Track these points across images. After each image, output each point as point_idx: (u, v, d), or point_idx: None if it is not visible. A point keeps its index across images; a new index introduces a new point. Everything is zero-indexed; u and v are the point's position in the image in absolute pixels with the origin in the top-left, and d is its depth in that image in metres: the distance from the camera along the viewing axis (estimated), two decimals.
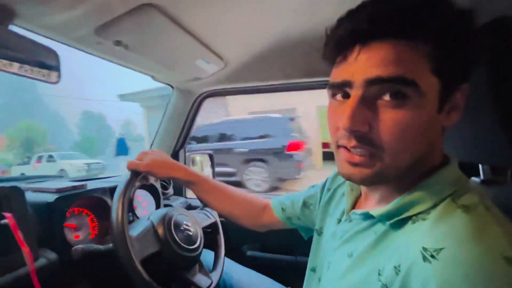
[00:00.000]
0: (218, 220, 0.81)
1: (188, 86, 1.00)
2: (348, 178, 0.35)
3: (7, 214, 0.48)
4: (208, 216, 0.79)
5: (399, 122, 0.30)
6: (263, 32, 0.70)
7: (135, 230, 0.58)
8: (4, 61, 0.43)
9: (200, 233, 0.69)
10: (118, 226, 0.50)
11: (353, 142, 0.32)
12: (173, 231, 0.61)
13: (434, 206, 0.32)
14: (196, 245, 0.65)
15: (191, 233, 0.65)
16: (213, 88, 1.01)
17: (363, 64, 0.30)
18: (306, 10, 0.61)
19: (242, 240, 1.04)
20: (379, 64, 0.29)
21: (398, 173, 0.33)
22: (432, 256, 0.27)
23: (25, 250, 0.46)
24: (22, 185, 0.57)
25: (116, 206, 0.52)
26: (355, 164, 0.33)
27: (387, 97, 0.30)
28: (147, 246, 0.56)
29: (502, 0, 0.50)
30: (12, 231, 0.47)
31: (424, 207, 0.32)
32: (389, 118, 0.30)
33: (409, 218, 0.33)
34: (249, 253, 1.02)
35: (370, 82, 0.30)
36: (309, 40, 0.73)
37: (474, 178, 0.63)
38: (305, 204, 0.60)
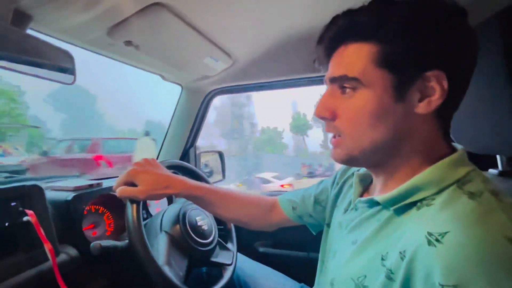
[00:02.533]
0: None
1: (196, 85, 1.01)
2: (331, 156, 0.41)
3: (29, 212, 0.50)
4: None
5: (349, 109, 0.36)
6: (270, 28, 0.70)
7: (156, 250, 0.58)
8: (22, 63, 0.44)
9: (214, 224, 0.71)
10: (134, 224, 0.51)
11: (326, 127, 0.40)
12: (190, 232, 0.63)
13: (439, 192, 0.32)
14: (212, 237, 0.67)
15: (206, 227, 0.67)
16: (221, 86, 1.02)
17: (330, 67, 0.39)
18: (313, 5, 0.61)
19: (254, 237, 1.05)
20: (333, 66, 0.38)
21: (365, 154, 0.37)
22: (437, 240, 0.27)
23: (47, 246, 0.48)
24: (41, 184, 0.59)
25: (130, 203, 0.53)
26: (333, 146, 0.40)
27: (339, 92, 0.37)
28: (180, 265, 0.59)
29: None
30: (34, 227, 0.49)
31: (428, 193, 0.33)
32: (343, 108, 0.37)
33: (413, 204, 0.34)
34: (261, 249, 1.03)
35: (330, 80, 0.38)
36: (316, 35, 0.72)
37: (492, 170, 0.61)
38: (316, 201, 0.59)
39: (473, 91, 0.51)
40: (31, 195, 0.52)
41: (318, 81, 0.94)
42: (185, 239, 0.62)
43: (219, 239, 0.73)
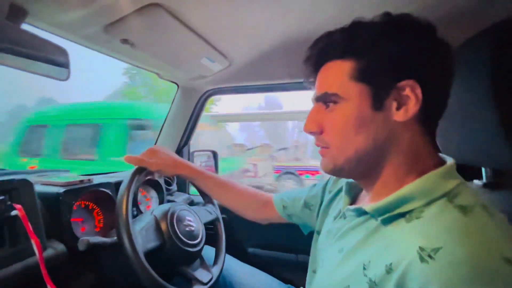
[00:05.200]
0: (220, 217, 0.82)
1: (193, 84, 1.01)
2: (320, 167, 0.43)
3: (17, 206, 0.50)
4: (210, 213, 0.81)
5: (333, 122, 0.39)
6: (268, 31, 0.71)
7: (138, 224, 0.60)
8: (17, 58, 0.44)
9: (202, 229, 0.70)
10: (122, 219, 0.51)
11: (315, 141, 0.43)
12: (175, 225, 0.63)
13: (427, 204, 0.33)
14: (197, 240, 0.66)
15: (193, 228, 0.67)
16: (217, 86, 1.02)
17: (315, 88, 0.42)
18: (311, 10, 0.61)
19: (244, 237, 1.06)
20: (317, 86, 0.41)
21: (351, 164, 0.39)
22: (430, 256, 0.27)
23: (34, 240, 0.48)
24: (31, 178, 0.59)
25: (121, 200, 0.53)
26: (322, 157, 0.42)
27: (323, 107, 0.40)
28: (150, 240, 0.58)
29: (506, 3, 0.49)
30: (22, 222, 0.49)
31: (416, 205, 0.33)
32: (328, 121, 0.40)
33: (401, 215, 0.34)
34: (250, 250, 1.03)
35: (315, 99, 0.42)
36: (312, 40, 0.73)
37: (476, 181, 0.63)
38: (305, 204, 0.61)
39: (461, 102, 0.53)
40: (19, 189, 0.52)
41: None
42: (167, 228, 0.61)
43: (204, 258, 0.70)
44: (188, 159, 1.15)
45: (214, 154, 1.22)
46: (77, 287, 0.63)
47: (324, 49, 0.40)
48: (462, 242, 0.27)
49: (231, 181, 0.71)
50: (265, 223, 0.71)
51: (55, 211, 0.60)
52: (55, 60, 0.50)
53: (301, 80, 0.92)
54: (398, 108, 0.36)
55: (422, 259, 0.27)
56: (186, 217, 0.68)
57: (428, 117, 0.37)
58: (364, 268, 0.33)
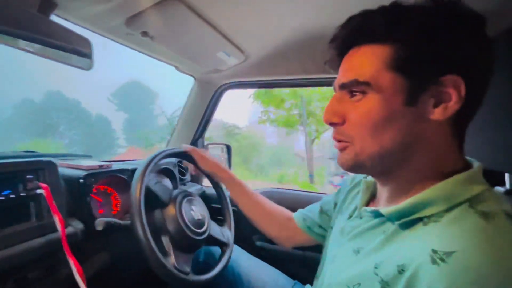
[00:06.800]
0: (230, 208, 0.84)
1: (209, 77, 1.03)
2: (337, 162, 0.40)
3: (43, 185, 0.54)
4: (221, 204, 0.83)
5: (359, 114, 0.35)
6: (284, 26, 0.71)
7: (149, 208, 0.61)
8: (45, 47, 0.48)
9: (207, 220, 0.72)
10: (136, 206, 0.54)
11: (334, 133, 0.39)
12: (183, 211, 0.65)
13: (448, 210, 0.31)
14: (202, 229, 0.67)
15: (199, 217, 0.68)
16: (233, 80, 1.03)
17: (340, 72, 0.39)
18: (327, 5, 0.60)
19: (252, 230, 1.07)
20: (344, 72, 0.37)
21: (374, 161, 0.36)
22: (442, 259, 0.26)
23: (58, 217, 0.52)
24: (56, 160, 0.63)
25: (134, 187, 0.56)
26: (340, 151, 0.39)
27: (348, 96, 0.37)
28: (159, 224, 0.61)
29: None
30: (46, 199, 0.53)
31: (436, 210, 0.31)
32: (352, 112, 0.36)
33: (419, 219, 0.32)
34: (258, 243, 1.05)
35: (340, 87, 0.38)
36: (329, 36, 0.71)
37: (498, 188, 0.59)
38: (322, 210, 0.62)
39: (487, 103, 0.50)
40: (45, 170, 0.57)
41: (329, 82, 0.93)
42: (175, 213, 0.63)
43: (213, 252, 0.73)
44: None
45: (228, 148, 1.24)
46: (92, 265, 0.67)
47: (359, 30, 0.35)
48: (478, 247, 0.26)
49: (259, 194, 0.73)
50: (289, 246, 0.69)
51: (76, 192, 0.64)
52: (80, 50, 0.53)
53: (316, 76, 0.91)
54: (435, 105, 0.32)
55: (433, 261, 0.26)
56: (193, 205, 0.70)
57: (463, 118, 0.34)
58: (376, 267, 0.32)
